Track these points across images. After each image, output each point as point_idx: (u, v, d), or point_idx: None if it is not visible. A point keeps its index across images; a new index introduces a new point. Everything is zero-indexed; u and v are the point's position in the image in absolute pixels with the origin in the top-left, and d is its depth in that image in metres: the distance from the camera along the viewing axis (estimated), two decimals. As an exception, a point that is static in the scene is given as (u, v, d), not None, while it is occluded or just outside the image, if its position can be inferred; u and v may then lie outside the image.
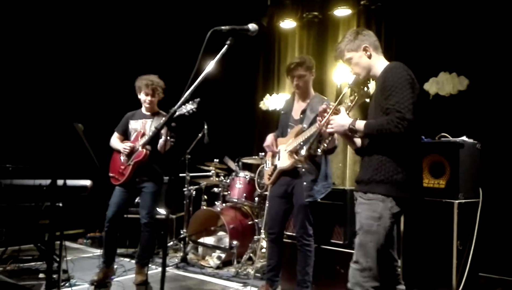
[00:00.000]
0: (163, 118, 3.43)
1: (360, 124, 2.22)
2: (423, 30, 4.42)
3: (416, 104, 2.12)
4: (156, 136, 3.54)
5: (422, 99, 2.22)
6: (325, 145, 2.49)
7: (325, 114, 2.37)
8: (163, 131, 3.39)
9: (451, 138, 3.28)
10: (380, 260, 2.17)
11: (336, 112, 2.34)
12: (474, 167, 3.26)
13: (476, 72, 4.18)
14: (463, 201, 3.09)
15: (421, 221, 3.21)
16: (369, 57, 2.34)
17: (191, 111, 3.24)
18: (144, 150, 3.62)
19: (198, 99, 3.21)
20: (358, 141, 2.43)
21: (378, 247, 2.16)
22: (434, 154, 3.25)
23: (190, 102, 3.21)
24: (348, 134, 2.30)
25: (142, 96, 3.76)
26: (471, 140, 3.28)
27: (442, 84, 4.30)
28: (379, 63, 2.34)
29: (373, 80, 2.38)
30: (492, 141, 3.79)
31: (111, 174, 3.77)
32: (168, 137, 2.11)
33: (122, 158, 3.72)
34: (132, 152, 3.66)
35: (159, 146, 3.62)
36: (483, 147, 3.33)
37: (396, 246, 2.41)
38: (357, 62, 2.35)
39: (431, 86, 4.29)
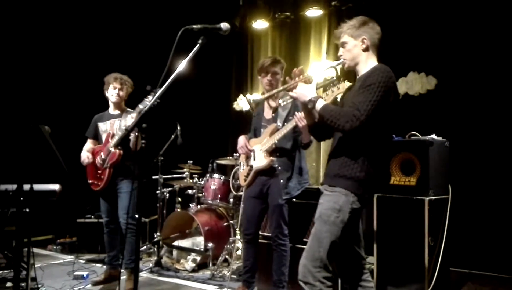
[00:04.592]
0: (130, 115, 3.40)
1: (320, 104, 2.24)
2: (393, 31, 4.49)
3: (381, 109, 2.13)
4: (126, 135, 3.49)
5: (397, 105, 2.23)
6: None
7: (297, 78, 2.37)
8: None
9: (420, 137, 3.34)
10: (332, 252, 2.17)
11: (306, 80, 2.34)
12: (443, 164, 3.34)
13: (444, 72, 4.30)
14: (433, 198, 3.15)
15: (393, 218, 3.26)
16: (364, 50, 2.30)
17: (156, 102, 3.15)
18: (117, 150, 3.57)
19: (156, 89, 3.13)
20: (315, 116, 2.41)
21: (332, 238, 2.17)
22: (404, 152, 3.31)
23: (152, 94, 3.13)
24: (307, 106, 2.30)
25: (110, 91, 3.70)
26: (440, 138, 3.35)
27: (411, 84, 4.40)
28: (368, 62, 2.31)
29: (345, 81, 2.39)
30: (460, 139, 3.91)
31: (90, 181, 3.73)
32: (142, 140, 2.05)
33: (98, 162, 3.65)
34: (106, 155, 3.60)
35: (131, 143, 3.54)
36: (451, 145, 3.42)
37: (363, 244, 2.43)
38: (350, 49, 2.31)
39: (401, 86, 4.38)
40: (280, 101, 2.66)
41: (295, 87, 2.34)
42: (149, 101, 3.06)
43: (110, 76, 3.73)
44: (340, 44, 2.37)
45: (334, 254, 2.20)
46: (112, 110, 3.78)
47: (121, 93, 3.70)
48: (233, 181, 4.43)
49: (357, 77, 2.34)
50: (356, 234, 2.38)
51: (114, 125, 3.70)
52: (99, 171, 3.66)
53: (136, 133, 3.37)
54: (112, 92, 3.69)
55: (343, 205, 2.18)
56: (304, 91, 2.30)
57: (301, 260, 2.23)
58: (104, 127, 3.74)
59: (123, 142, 3.56)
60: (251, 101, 3.06)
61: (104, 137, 3.72)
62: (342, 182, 2.22)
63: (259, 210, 3.33)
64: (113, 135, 3.64)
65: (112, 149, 3.57)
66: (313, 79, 2.35)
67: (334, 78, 2.43)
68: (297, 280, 2.24)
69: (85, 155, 3.69)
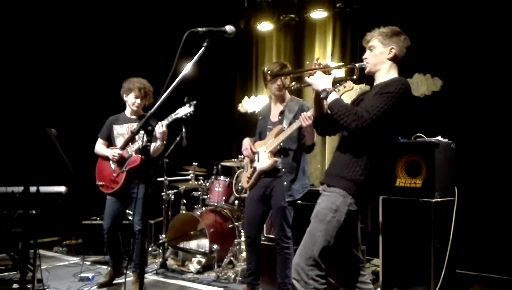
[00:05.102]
0: (161, 123, 3.40)
1: (333, 96, 2.24)
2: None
3: (390, 118, 2.14)
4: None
5: (407, 114, 2.24)
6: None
7: (316, 66, 2.36)
8: (159, 135, 3.38)
9: (426, 138, 3.33)
10: (326, 252, 2.17)
11: (326, 71, 2.34)
12: (449, 166, 3.32)
13: (450, 73, 4.29)
14: (439, 200, 3.14)
15: (399, 220, 3.25)
16: (389, 59, 2.31)
17: (188, 114, 3.20)
18: (140, 155, 3.55)
19: (194, 102, 3.19)
20: (324, 108, 2.42)
21: (327, 238, 2.17)
22: (410, 154, 3.30)
23: (187, 105, 3.17)
24: (319, 95, 2.31)
25: (130, 98, 3.66)
26: (446, 140, 3.34)
27: (417, 85, 4.39)
28: (390, 72, 2.32)
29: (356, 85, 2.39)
30: (466, 140, 3.89)
31: (100, 183, 3.68)
32: (148, 142, 2.06)
33: (113, 165, 3.63)
34: (123, 159, 3.58)
35: (152, 149, 3.48)
36: (457, 147, 3.40)
37: (361, 247, 2.43)
38: (376, 54, 2.32)
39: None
40: (294, 83, 2.62)
41: (313, 74, 2.33)
42: (183, 112, 3.15)
43: (134, 83, 3.65)
44: (367, 47, 2.37)
45: (330, 255, 2.20)
46: (129, 114, 3.74)
47: (142, 103, 3.68)
48: (235, 182, 4.43)
49: (374, 84, 2.35)
50: (354, 237, 2.38)
51: (133, 129, 3.68)
52: (115, 174, 3.61)
53: (164, 142, 3.47)
54: (133, 100, 3.65)
55: (340, 205, 2.19)
56: (320, 80, 2.29)
57: (294, 258, 2.24)
58: (121, 130, 3.70)
59: (143, 147, 3.53)
60: (269, 73, 2.92)
61: (119, 140, 3.69)
62: (341, 183, 2.23)
63: (261, 212, 3.32)
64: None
65: (134, 154, 3.55)
66: (332, 72, 2.34)
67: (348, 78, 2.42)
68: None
69: (113, 152, 3.59)
